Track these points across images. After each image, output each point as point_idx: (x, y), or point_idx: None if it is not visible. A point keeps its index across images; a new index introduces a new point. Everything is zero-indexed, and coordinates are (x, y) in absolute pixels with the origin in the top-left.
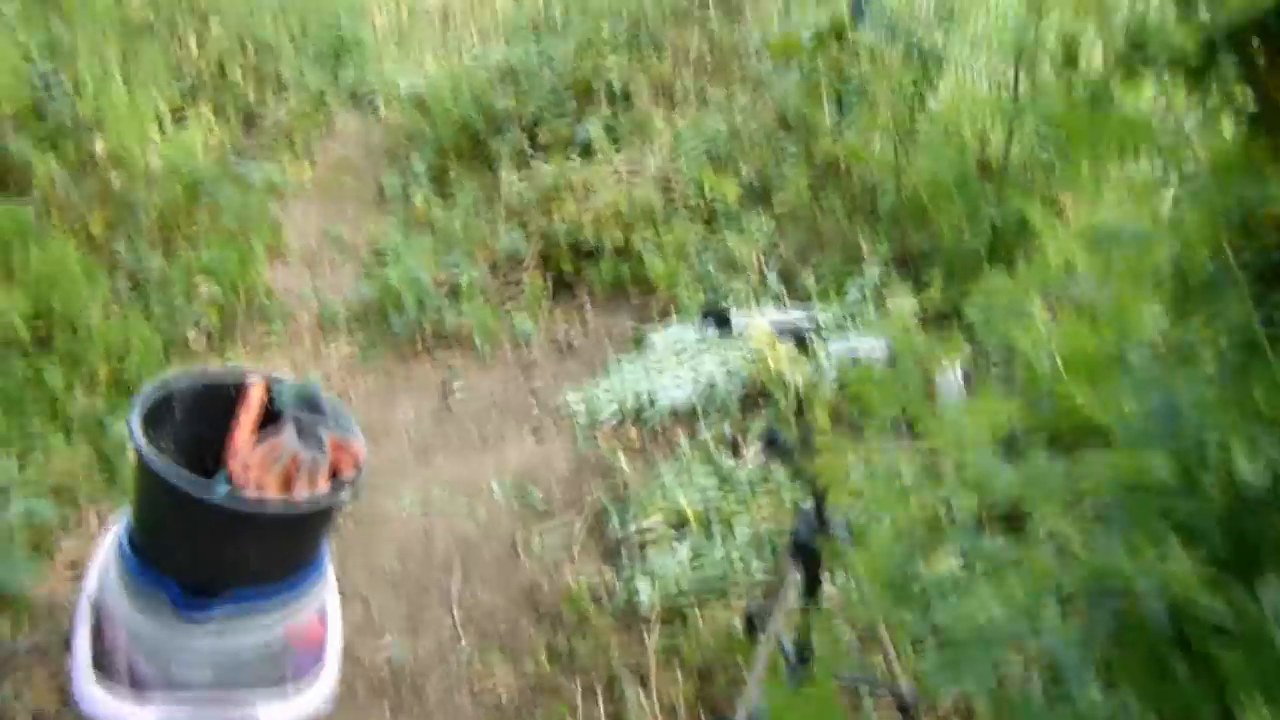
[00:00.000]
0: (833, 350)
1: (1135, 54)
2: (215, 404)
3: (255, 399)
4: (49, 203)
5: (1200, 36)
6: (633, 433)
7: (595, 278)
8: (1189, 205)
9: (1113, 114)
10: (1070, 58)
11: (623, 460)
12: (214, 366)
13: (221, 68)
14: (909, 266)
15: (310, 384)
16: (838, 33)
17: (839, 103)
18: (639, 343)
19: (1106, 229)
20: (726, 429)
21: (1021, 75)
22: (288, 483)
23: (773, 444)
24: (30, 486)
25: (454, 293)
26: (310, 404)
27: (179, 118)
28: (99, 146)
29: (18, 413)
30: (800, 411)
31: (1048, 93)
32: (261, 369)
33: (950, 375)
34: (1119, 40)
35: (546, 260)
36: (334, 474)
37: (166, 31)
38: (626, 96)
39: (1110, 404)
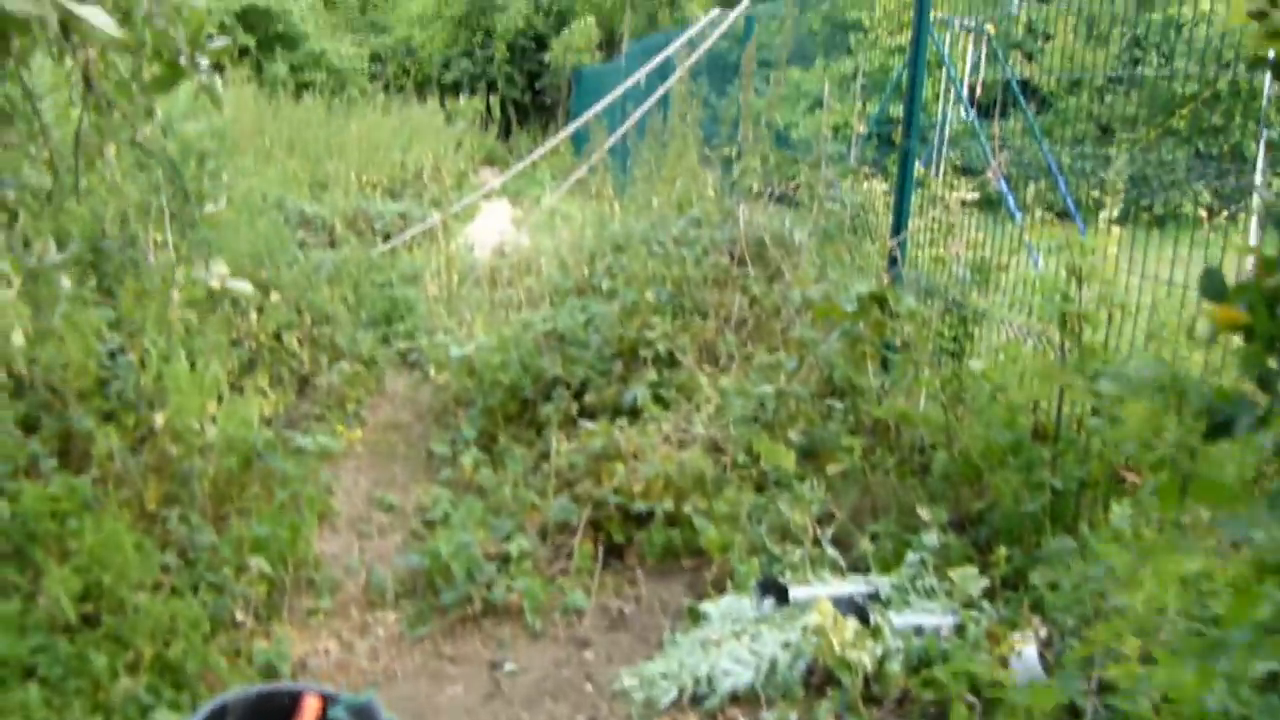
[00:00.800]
0: (897, 625)
1: (1220, 421)
2: None
3: (310, 716)
4: (106, 476)
5: None
6: (692, 719)
7: (647, 545)
8: None
9: (1201, 479)
10: (1156, 430)
11: None
12: (270, 684)
13: (279, 337)
14: (967, 530)
15: (367, 700)
16: (878, 299)
17: (883, 363)
18: (694, 614)
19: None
20: (792, 718)
21: (1067, 340)
22: None
23: None
24: None
25: (504, 561)
26: None
27: (236, 387)
28: (158, 420)
29: (59, 700)
30: (870, 697)
31: (1095, 357)
32: (317, 685)
33: (1026, 652)
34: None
35: (596, 526)
36: None
37: (230, 305)
38: (671, 359)
39: None
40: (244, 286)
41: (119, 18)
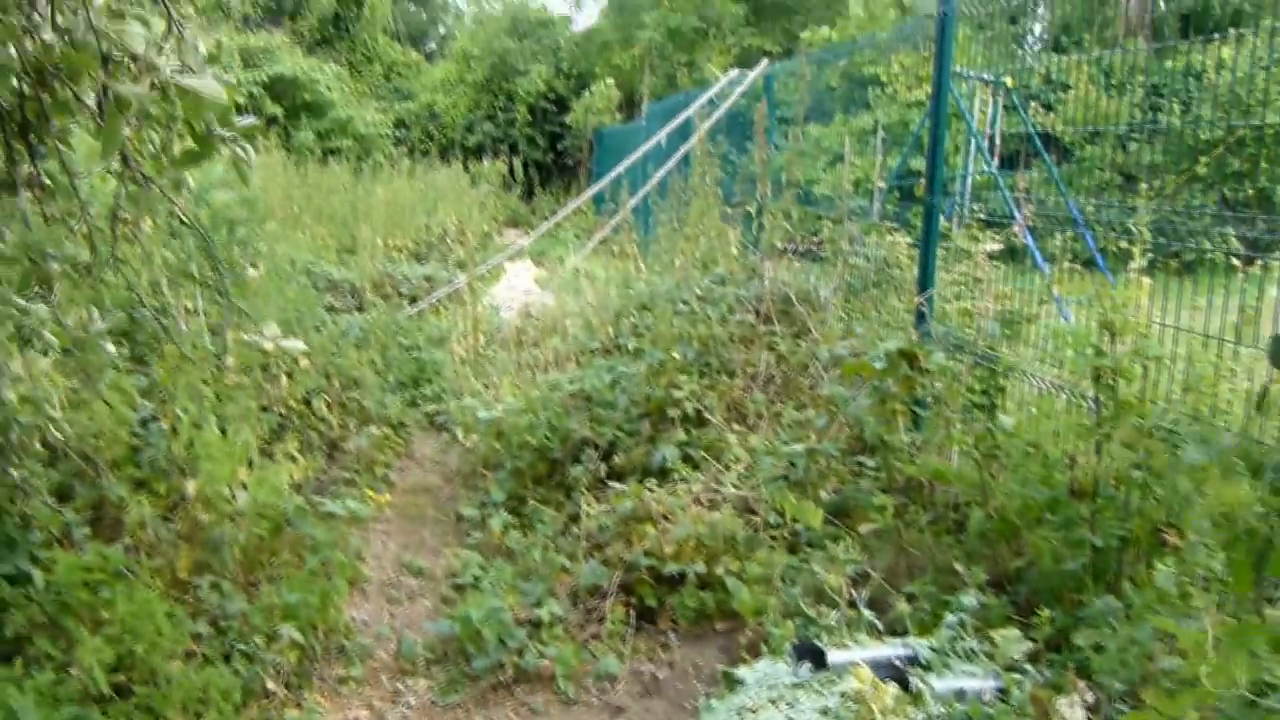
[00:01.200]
0: (938, 689)
1: None
2: None
3: None
4: (138, 545)
5: None
6: None
7: (679, 608)
8: None
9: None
10: (1229, 522)
11: None
12: None
13: (308, 402)
14: (1005, 590)
15: None
16: (907, 355)
17: (914, 420)
18: (729, 680)
19: None
20: None
21: (1100, 394)
22: None
23: None
24: None
25: (535, 626)
26: None
27: (266, 453)
28: (190, 488)
29: None
30: None
31: (1131, 413)
32: None
33: (1073, 718)
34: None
35: (628, 590)
36: None
37: (260, 372)
38: (699, 418)
39: None
40: (298, 345)
41: (156, 96)
